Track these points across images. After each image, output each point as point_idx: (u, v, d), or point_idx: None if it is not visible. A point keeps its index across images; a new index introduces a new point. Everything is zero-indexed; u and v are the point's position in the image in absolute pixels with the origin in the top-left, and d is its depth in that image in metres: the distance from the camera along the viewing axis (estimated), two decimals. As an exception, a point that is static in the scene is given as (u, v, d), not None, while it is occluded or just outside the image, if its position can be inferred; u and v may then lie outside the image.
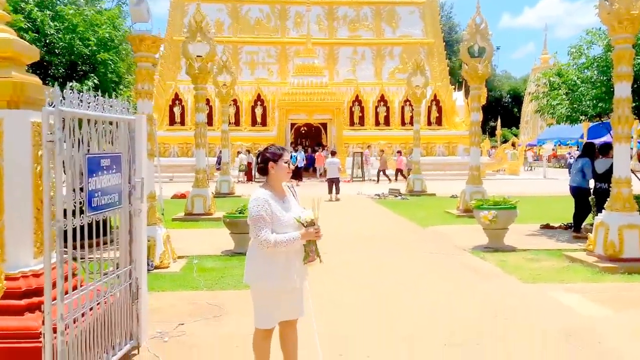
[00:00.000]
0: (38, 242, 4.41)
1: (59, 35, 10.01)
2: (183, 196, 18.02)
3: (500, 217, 10.33)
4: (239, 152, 32.04)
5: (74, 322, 4.00)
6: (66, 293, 3.86)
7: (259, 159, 4.24)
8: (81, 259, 4.53)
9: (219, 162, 29.86)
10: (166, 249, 9.25)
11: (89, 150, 4.25)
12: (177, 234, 11.95)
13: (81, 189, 4.11)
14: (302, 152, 32.40)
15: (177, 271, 8.94)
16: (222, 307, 6.79)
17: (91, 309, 4.31)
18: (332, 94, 34.69)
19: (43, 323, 3.73)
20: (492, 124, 64.66)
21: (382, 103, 36.39)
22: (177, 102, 34.89)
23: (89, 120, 4.24)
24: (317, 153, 33.13)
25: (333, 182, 21.51)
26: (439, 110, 36.45)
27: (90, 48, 10.31)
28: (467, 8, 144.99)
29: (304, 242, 4.06)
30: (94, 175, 4.20)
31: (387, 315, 6.57)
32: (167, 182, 27.66)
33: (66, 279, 3.88)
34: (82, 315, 4.16)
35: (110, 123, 4.62)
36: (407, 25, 39.82)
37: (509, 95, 77.47)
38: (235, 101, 34.07)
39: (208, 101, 32.76)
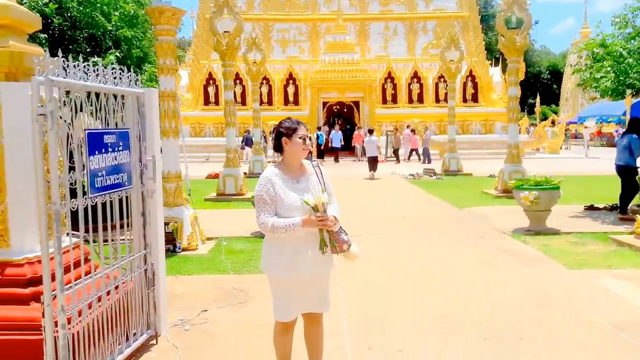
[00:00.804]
0: (44, 225, 4.10)
1: (80, 9, 9.74)
2: (217, 176, 18.02)
3: (542, 198, 9.78)
4: (272, 132, 31.64)
5: (79, 315, 3.70)
6: (68, 283, 3.54)
7: (272, 135, 3.81)
8: (92, 242, 4.21)
9: (243, 142, 29.56)
10: (194, 231, 9.05)
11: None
12: (208, 215, 11.83)
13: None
14: (340, 132, 31.80)
15: (205, 253, 8.71)
16: (247, 293, 6.53)
17: (100, 298, 4.01)
18: (364, 71, 33.96)
19: (43, 315, 3.43)
20: (531, 101, 63.06)
21: (415, 80, 35.26)
22: (211, 81, 34.47)
23: (89, 93, 3.87)
24: (355, 132, 32.36)
25: (371, 161, 21.13)
26: (475, 86, 35.14)
27: (113, 23, 10.04)
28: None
29: (306, 230, 3.58)
30: (97, 153, 3.86)
31: (420, 299, 6.21)
32: (204, 162, 27.74)
33: (67, 269, 3.56)
34: (89, 305, 3.86)
35: (116, 96, 4.25)
36: (441, -3, 38.51)
37: (547, 72, 75.11)
38: (267, 80, 33.67)
39: (241, 80, 32.57)
